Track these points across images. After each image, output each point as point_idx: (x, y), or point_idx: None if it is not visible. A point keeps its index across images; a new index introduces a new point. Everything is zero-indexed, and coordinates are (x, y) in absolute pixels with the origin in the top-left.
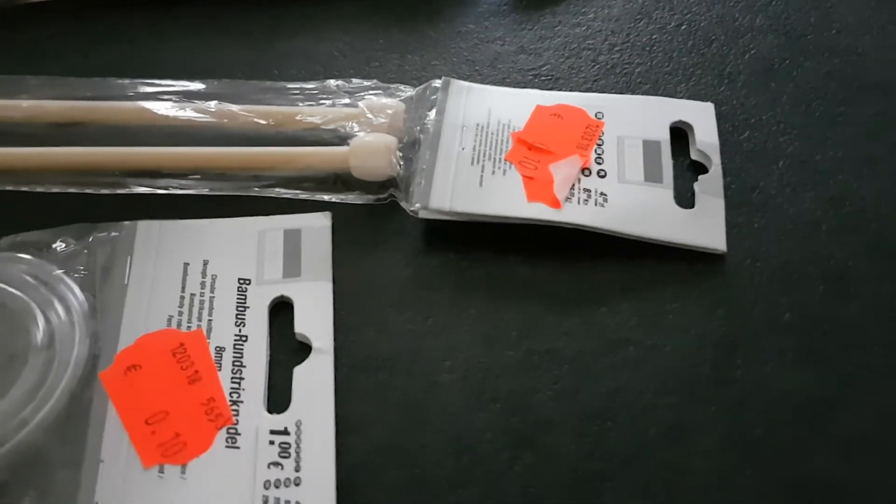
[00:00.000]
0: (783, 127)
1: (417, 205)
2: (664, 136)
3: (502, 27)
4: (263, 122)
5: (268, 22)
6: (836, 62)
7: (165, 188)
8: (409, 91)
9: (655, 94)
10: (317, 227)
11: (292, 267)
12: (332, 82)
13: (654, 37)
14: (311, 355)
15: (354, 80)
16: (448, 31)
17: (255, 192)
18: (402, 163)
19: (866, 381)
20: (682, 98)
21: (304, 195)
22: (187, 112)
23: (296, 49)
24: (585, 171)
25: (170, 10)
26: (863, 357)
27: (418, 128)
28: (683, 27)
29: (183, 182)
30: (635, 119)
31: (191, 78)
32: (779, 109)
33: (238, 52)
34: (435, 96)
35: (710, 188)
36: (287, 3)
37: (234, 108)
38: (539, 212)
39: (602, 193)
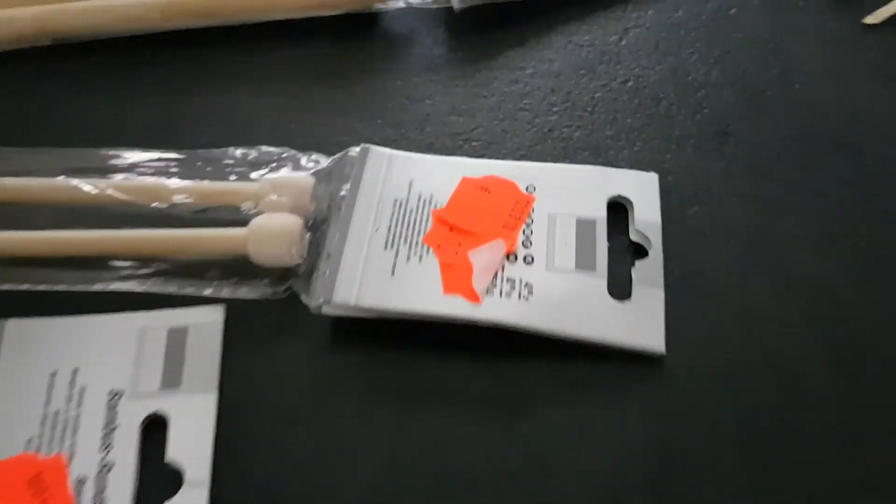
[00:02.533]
0: (735, 199)
1: (319, 300)
2: (600, 214)
3: (434, 84)
4: (125, 198)
5: (175, 74)
6: (796, 121)
7: (26, 283)
8: (323, 161)
9: (595, 161)
10: (206, 324)
11: (172, 375)
12: (236, 151)
13: (596, 95)
14: (183, 489)
15: (264, 148)
16: (375, 88)
17: (129, 285)
18: (307, 248)
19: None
20: (623, 167)
21: (189, 289)
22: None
23: (204, 107)
24: (511, 256)
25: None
26: (812, 480)
27: (329, 205)
28: (630, 83)
29: (43, 274)
30: (570, 193)
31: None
32: (731, 178)
33: (134, 110)
34: (351, 167)
35: (648, 276)
36: (201, 52)
37: (98, 182)
38: (455, 307)
39: (527, 284)
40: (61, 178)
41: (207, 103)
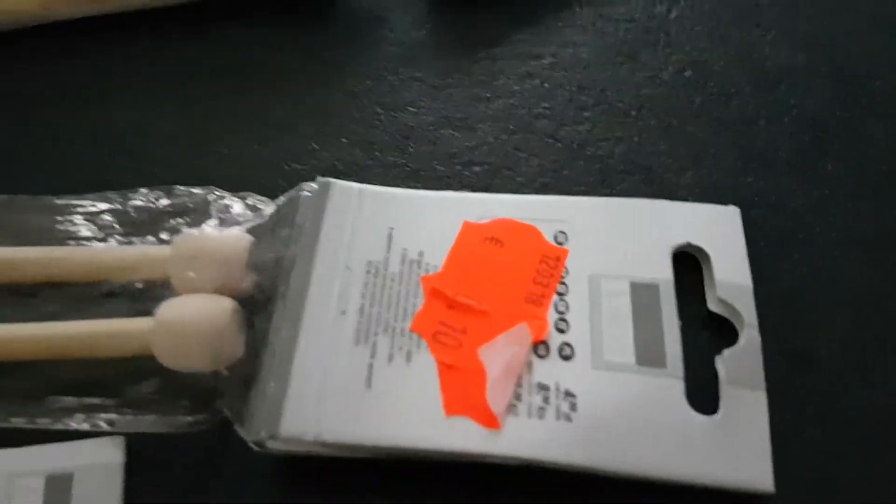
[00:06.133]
0: (847, 241)
1: (261, 433)
2: (664, 274)
3: (416, 84)
4: None
5: (46, 81)
6: None
7: None
8: (264, 206)
9: (647, 190)
10: (99, 467)
11: None
12: (134, 194)
13: (642, 92)
14: None
15: (178, 189)
16: (333, 92)
17: None
18: (242, 345)
19: None
20: (688, 197)
21: (68, 419)
22: None
23: (87, 127)
24: (540, 346)
25: None
26: None
27: (274, 277)
28: (687, 74)
29: None
30: (617, 242)
31: None
32: (839, 209)
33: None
34: (305, 213)
35: (742, 371)
36: (84, 49)
37: None
38: (462, 439)
39: (567, 394)
40: None
41: (92, 121)
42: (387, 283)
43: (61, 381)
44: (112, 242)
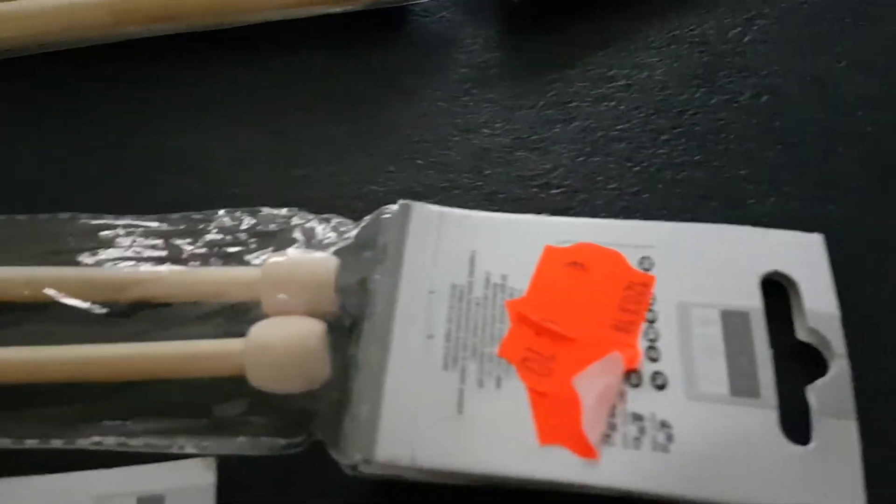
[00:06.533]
0: None
1: (357, 456)
2: (753, 302)
3: (490, 105)
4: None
5: (122, 102)
6: None
7: None
8: (349, 227)
9: (727, 215)
10: (191, 489)
11: None
12: (221, 215)
13: (720, 115)
14: None
15: (263, 210)
16: (410, 113)
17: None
18: (328, 369)
19: None
20: (770, 224)
21: (159, 441)
22: None
23: (165, 149)
24: (631, 375)
25: None
26: None
27: (359, 298)
28: (764, 99)
29: None
30: (704, 269)
31: None
32: None
33: (62, 151)
34: (386, 235)
35: (833, 401)
36: (158, 70)
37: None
38: (558, 467)
39: (663, 424)
40: None
41: (170, 142)
42: (472, 308)
43: (150, 401)
44: (195, 263)
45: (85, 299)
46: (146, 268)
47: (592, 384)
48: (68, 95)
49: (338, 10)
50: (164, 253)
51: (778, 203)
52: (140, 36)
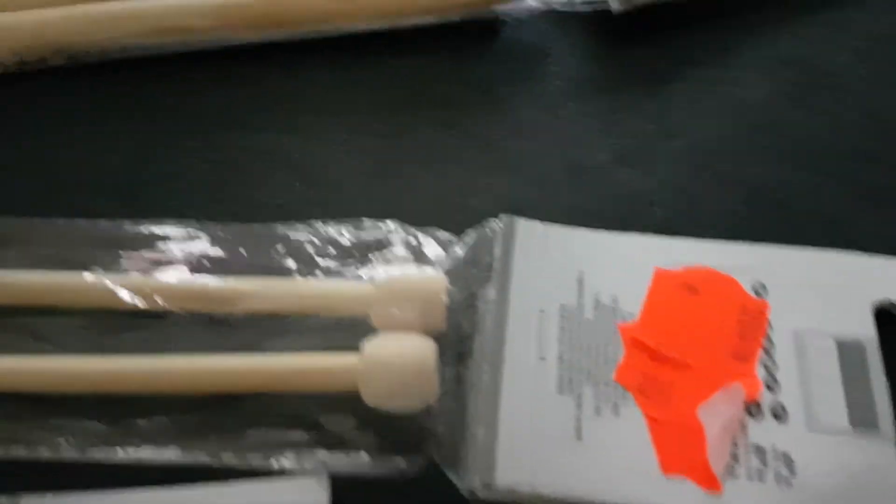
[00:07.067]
0: None
1: (476, 481)
2: (867, 332)
3: (587, 119)
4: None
5: (217, 106)
6: None
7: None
8: (453, 241)
9: (831, 239)
10: None
11: None
12: (324, 226)
13: (822, 136)
14: None
15: (367, 221)
16: (505, 125)
17: (170, 453)
18: (437, 387)
19: None
20: (876, 249)
21: (270, 454)
22: None
23: (261, 154)
24: (752, 407)
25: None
26: None
27: (465, 318)
28: (867, 122)
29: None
30: (817, 296)
31: None
32: None
33: (157, 156)
34: (491, 251)
35: None
36: (254, 74)
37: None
38: (684, 500)
39: (784, 457)
40: (75, 275)
41: (265, 148)
42: (582, 330)
43: (259, 415)
44: (296, 275)
45: (194, 310)
46: (255, 280)
47: (717, 414)
48: (171, 98)
49: (434, 20)
50: (268, 262)
51: (883, 228)
52: (244, 42)
